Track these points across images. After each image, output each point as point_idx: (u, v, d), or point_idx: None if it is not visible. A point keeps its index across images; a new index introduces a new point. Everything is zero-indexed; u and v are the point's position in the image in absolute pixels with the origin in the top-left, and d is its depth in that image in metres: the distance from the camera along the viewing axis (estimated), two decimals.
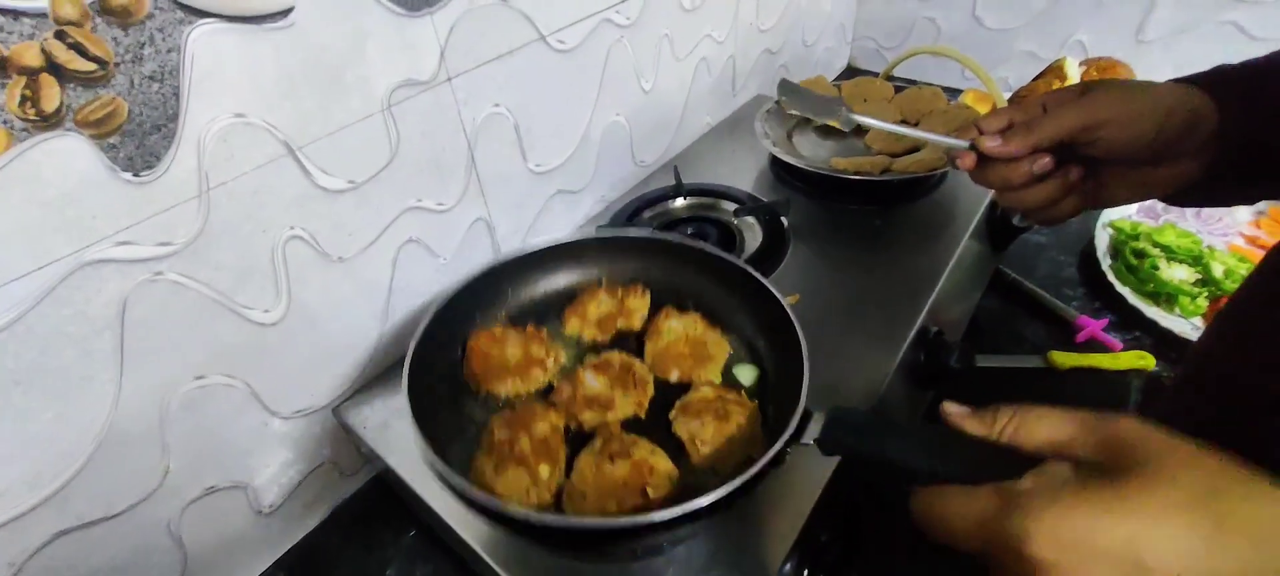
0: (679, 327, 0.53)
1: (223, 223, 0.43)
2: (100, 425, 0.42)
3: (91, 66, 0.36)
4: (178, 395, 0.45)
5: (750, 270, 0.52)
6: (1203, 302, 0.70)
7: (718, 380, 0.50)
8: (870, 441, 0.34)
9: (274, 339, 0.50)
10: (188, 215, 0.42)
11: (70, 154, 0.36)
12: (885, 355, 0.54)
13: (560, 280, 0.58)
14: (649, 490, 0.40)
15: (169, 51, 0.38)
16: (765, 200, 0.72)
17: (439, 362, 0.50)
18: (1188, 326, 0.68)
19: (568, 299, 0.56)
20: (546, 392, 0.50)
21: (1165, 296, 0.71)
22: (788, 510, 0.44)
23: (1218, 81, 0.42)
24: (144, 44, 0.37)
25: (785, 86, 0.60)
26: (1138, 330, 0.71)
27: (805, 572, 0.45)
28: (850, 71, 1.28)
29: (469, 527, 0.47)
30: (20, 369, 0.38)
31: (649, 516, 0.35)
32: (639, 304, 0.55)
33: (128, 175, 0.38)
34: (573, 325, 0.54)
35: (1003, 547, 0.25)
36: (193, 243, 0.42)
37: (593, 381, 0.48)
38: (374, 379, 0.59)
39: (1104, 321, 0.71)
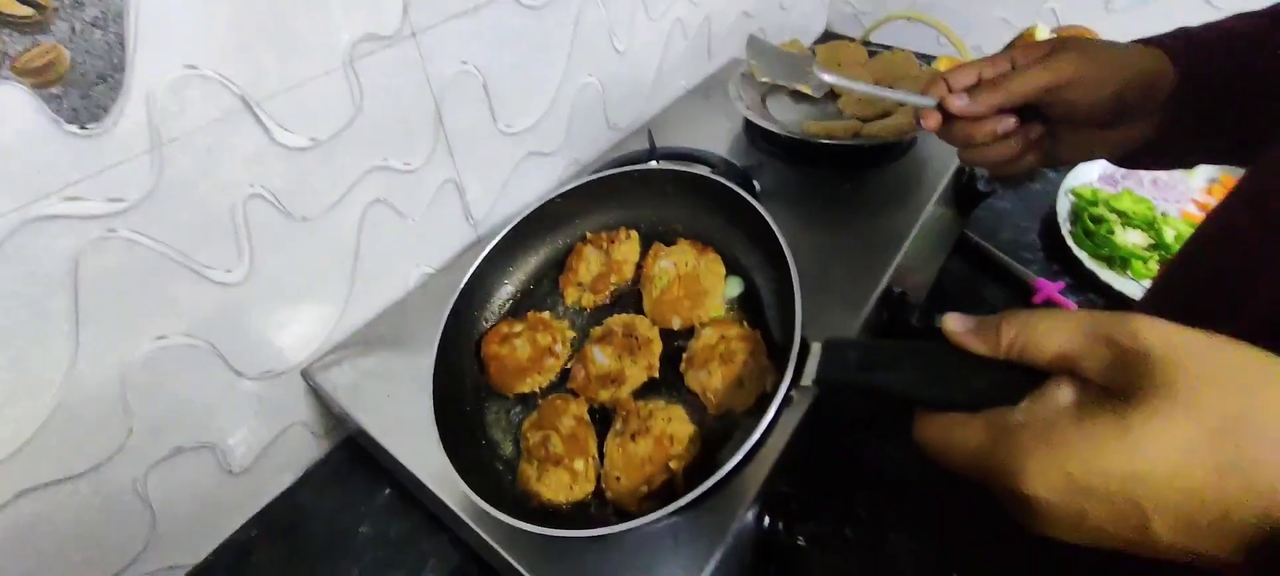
0: (670, 268, 0.51)
1: (178, 179, 0.42)
2: (57, 385, 0.41)
3: (28, 11, 0.34)
4: (138, 355, 0.45)
5: (726, 183, 0.50)
6: (1154, 266, 0.73)
7: (719, 312, 0.50)
8: (869, 375, 0.32)
9: (237, 299, 0.49)
10: (140, 170, 0.40)
11: (9, 104, 0.35)
12: (851, 315, 0.56)
13: (545, 250, 0.57)
14: (672, 463, 0.42)
15: None
16: (738, 164, 0.72)
17: (463, 384, 0.50)
18: (1138, 288, 0.71)
19: (558, 266, 0.56)
20: (564, 377, 0.50)
21: (1119, 260, 0.73)
22: (753, 461, 0.45)
23: (1179, 43, 0.43)
24: None
25: (754, 44, 0.58)
26: (1092, 292, 0.74)
27: (766, 521, 0.46)
28: (827, 36, 1.27)
29: (441, 483, 0.48)
30: None
31: (675, 505, 0.36)
32: (628, 250, 0.54)
33: (73, 127, 0.37)
34: (571, 295, 0.54)
35: (997, 482, 0.25)
36: (146, 199, 0.41)
37: (602, 358, 0.48)
38: (344, 340, 0.58)
39: (1060, 284, 0.74)
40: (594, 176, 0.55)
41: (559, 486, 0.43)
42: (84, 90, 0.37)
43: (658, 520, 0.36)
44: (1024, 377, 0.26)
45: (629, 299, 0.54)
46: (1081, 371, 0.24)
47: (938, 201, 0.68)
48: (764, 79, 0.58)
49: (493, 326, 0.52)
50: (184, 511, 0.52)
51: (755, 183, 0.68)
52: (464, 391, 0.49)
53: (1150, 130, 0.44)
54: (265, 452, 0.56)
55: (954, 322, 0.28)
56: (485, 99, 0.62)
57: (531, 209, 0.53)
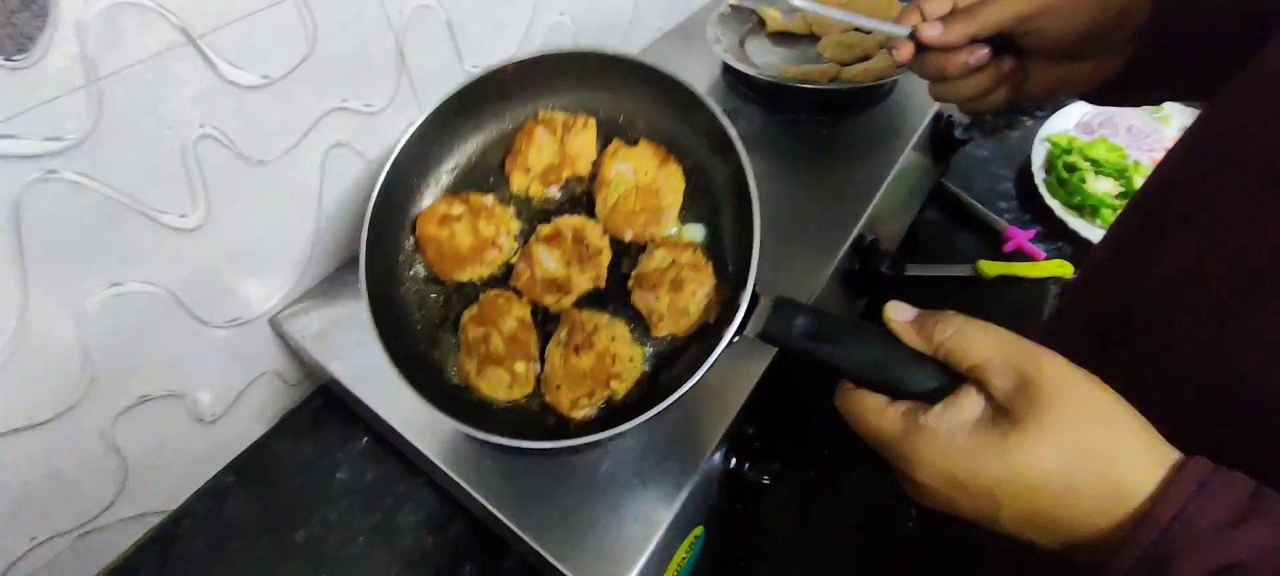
0: (628, 173, 0.48)
1: (119, 117, 0.40)
2: (9, 332, 0.40)
3: None
4: (94, 302, 0.43)
5: (694, 89, 0.46)
6: None
7: (675, 226, 0.48)
8: (810, 343, 0.34)
9: (196, 246, 0.48)
10: (76, 107, 0.38)
11: None
12: (822, 261, 0.56)
13: (492, 125, 0.51)
14: (613, 382, 0.42)
15: None
16: None
17: (396, 265, 0.48)
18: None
19: (506, 148, 0.51)
20: (507, 272, 0.48)
21: (1089, 208, 0.74)
22: (720, 405, 0.46)
23: None
24: None
25: None
26: (1062, 240, 0.75)
27: (732, 462, 0.48)
28: None
29: (415, 431, 0.48)
30: None
31: (615, 429, 0.38)
32: (584, 142, 0.50)
33: None
34: (517, 180, 0.50)
35: (895, 460, 0.30)
36: (87, 138, 0.39)
37: (548, 261, 0.47)
38: (311, 287, 0.57)
39: (1031, 232, 0.75)
40: (556, 50, 0.49)
41: (498, 384, 0.44)
42: (6, 18, 0.34)
43: (603, 440, 0.38)
44: (944, 377, 0.30)
45: (580, 198, 0.50)
46: (989, 387, 0.28)
47: (914, 148, 0.68)
48: (732, 1, 0.55)
49: (430, 205, 0.49)
50: (156, 459, 0.51)
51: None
52: (397, 273, 0.47)
53: (1120, 63, 0.44)
54: (237, 401, 0.56)
55: (896, 312, 0.32)
56: (450, 36, 0.59)
57: (479, 76, 0.48)
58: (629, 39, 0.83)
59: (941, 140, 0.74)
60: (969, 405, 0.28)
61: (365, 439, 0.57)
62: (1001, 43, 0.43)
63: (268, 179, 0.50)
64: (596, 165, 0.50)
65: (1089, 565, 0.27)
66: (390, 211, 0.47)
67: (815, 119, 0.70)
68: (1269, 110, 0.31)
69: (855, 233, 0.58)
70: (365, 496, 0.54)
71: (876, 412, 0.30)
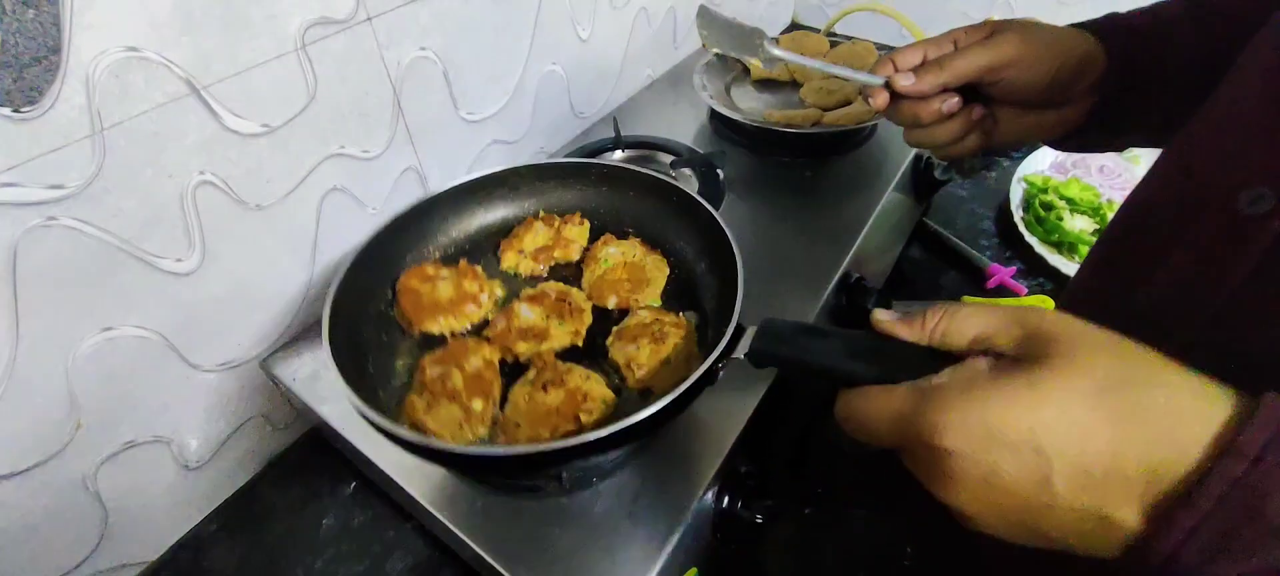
0: (617, 254, 0.50)
1: (121, 165, 0.41)
2: None
3: None
4: (85, 347, 0.43)
5: (684, 189, 0.50)
6: None
7: (657, 303, 0.49)
8: (799, 348, 0.34)
9: (190, 289, 0.48)
10: (80, 156, 0.39)
11: None
12: (809, 299, 0.57)
13: (495, 214, 0.55)
14: (582, 415, 0.40)
15: None
16: (702, 153, 0.73)
17: (367, 307, 0.48)
18: None
19: (503, 233, 0.54)
20: (481, 328, 0.48)
21: (1067, 245, 0.77)
22: (711, 442, 0.47)
23: (1108, 28, 0.45)
24: None
25: (705, 14, 0.58)
26: (1042, 276, 0.77)
27: (726, 500, 0.48)
28: (794, 26, 1.29)
29: (405, 474, 0.48)
30: None
31: (579, 438, 0.34)
32: (577, 233, 0.53)
33: (6, 110, 0.36)
34: (509, 259, 0.52)
35: (916, 440, 0.26)
36: (88, 186, 0.40)
37: (528, 313, 0.46)
38: (303, 330, 0.58)
39: (1013, 269, 0.77)
40: (561, 159, 0.55)
41: (448, 421, 0.39)
42: (17, 72, 0.35)
43: (555, 448, 0.34)
44: (942, 359, 0.28)
45: (568, 277, 0.52)
46: (996, 349, 0.26)
47: (896, 188, 0.70)
48: (715, 50, 0.58)
49: (418, 265, 0.49)
50: (138, 507, 0.50)
51: (719, 171, 0.69)
52: (365, 315, 0.46)
53: (1084, 112, 0.46)
54: (224, 446, 0.55)
55: (883, 314, 0.31)
56: (446, 86, 0.62)
57: (493, 171, 0.52)
58: (619, 88, 0.86)
59: (922, 180, 0.77)
60: (979, 361, 0.26)
61: (353, 484, 0.56)
62: (971, 93, 0.46)
63: (264, 223, 0.51)
64: (586, 252, 0.53)
65: (1152, 531, 0.22)
66: (378, 259, 0.48)
67: (799, 161, 0.73)
68: (1223, 150, 0.33)
69: (841, 270, 0.60)
70: (352, 543, 0.52)
71: (882, 397, 0.28)
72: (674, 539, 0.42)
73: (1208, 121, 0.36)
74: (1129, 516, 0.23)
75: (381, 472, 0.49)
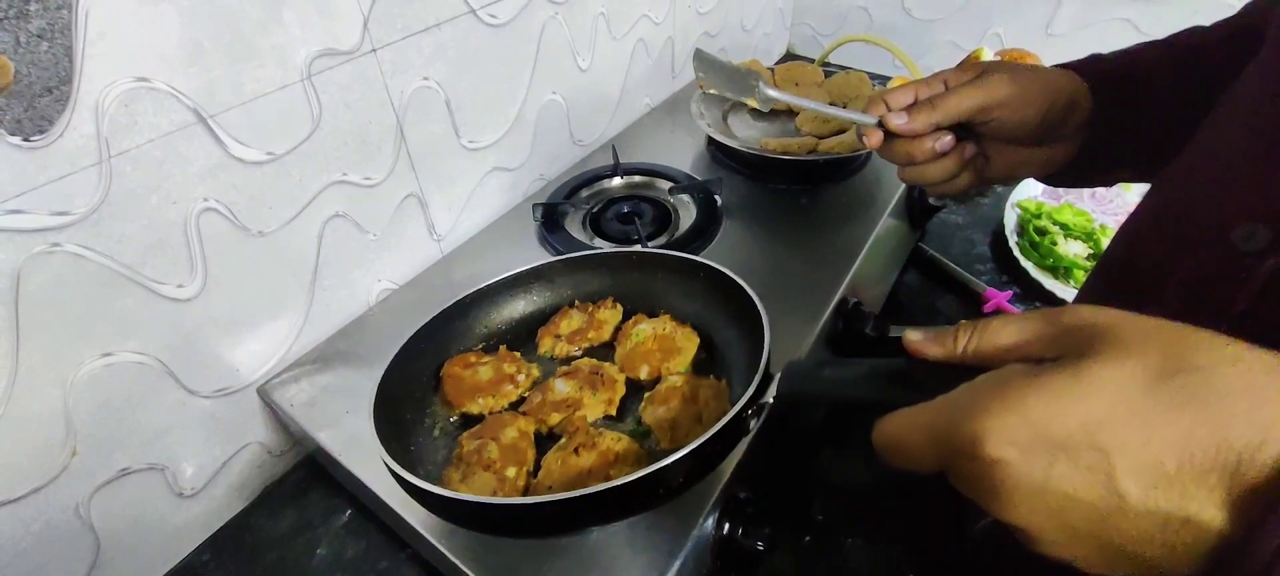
0: (648, 329, 0.53)
1: (127, 192, 0.42)
2: None
3: None
4: (83, 373, 0.43)
5: (713, 265, 0.51)
6: None
7: (688, 370, 0.50)
8: (826, 383, 0.33)
9: (190, 315, 0.48)
10: (87, 184, 0.40)
11: None
12: (807, 324, 0.57)
13: (532, 303, 0.57)
14: (612, 472, 0.40)
15: (59, 9, 0.36)
16: (700, 179, 0.74)
17: (412, 391, 0.49)
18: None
19: (540, 321, 0.56)
20: (518, 404, 0.49)
21: (1062, 269, 0.77)
22: (710, 476, 0.46)
23: (1091, 69, 0.47)
24: (30, 0, 0.35)
25: (701, 57, 0.59)
26: (1038, 300, 0.77)
27: (726, 527, 0.47)
28: (789, 56, 1.32)
29: (402, 501, 0.47)
30: None
31: (608, 484, 0.33)
32: (610, 316, 0.55)
33: (16, 139, 0.36)
34: (546, 344, 0.54)
35: (959, 455, 0.23)
36: (93, 213, 0.41)
37: (562, 386, 0.48)
38: (302, 356, 0.58)
39: (1009, 293, 0.77)
40: (593, 253, 0.57)
41: (482, 489, 0.40)
42: (29, 102, 0.36)
43: (585, 495, 0.34)
44: (975, 374, 0.26)
45: (602, 355, 0.54)
46: (1032, 354, 0.24)
47: (891, 214, 0.71)
48: (712, 91, 0.59)
49: (461, 354, 0.52)
50: (130, 536, 0.50)
51: (717, 197, 0.70)
52: (409, 399, 0.48)
53: (1073, 150, 0.47)
54: (219, 473, 0.55)
55: (914, 333, 0.29)
56: (448, 114, 0.63)
57: (531, 266, 0.55)
58: (618, 116, 0.87)
59: (917, 206, 0.78)
60: (1015, 366, 0.24)
61: (348, 512, 0.56)
62: (963, 131, 0.47)
63: (266, 249, 0.51)
64: (618, 331, 0.55)
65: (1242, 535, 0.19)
66: (425, 349, 0.49)
67: (796, 188, 0.74)
68: (1212, 186, 0.34)
69: (838, 295, 0.60)
70: (346, 573, 0.52)
71: (912, 416, 0.26)
72: (674, 567, 0.41)
73: (1195, 158, 0.36)
74: (1216, 516, 0.19)
75: (378, 499, 0.48)
